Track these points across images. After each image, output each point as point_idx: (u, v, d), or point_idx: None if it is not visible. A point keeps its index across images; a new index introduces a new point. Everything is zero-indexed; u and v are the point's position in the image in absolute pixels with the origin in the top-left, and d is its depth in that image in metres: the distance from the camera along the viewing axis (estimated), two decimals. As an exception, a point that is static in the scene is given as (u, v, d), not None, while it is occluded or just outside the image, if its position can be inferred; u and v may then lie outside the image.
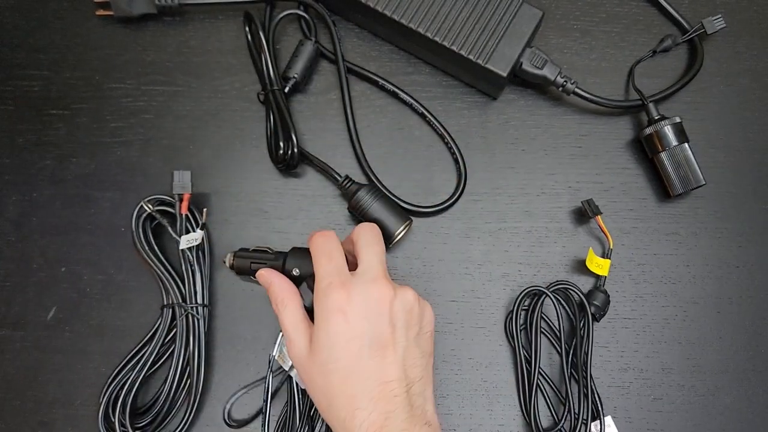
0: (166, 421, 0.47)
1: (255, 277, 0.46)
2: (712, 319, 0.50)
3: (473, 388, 0.49)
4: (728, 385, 0.49)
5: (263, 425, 0.45)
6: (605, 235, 0.49)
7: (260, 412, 0.46)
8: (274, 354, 0.46)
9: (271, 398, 0.46)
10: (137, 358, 0.47)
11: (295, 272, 0.45)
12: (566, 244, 0.51)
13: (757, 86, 0.53)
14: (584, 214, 0.49)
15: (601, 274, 0.48)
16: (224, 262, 0.47)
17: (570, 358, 0.47)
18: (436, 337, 0.49)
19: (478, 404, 0.48)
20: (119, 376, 0.46)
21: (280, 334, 0.46)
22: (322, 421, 0.45)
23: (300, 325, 0.41)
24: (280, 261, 0.46)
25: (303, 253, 0.45)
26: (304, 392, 0.45)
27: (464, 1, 0.49)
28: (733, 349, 0.49)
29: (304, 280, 0.45)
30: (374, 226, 0.44)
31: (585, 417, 0.46)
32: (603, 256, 0.49)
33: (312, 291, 0.42)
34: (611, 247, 0.49)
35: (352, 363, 0.38)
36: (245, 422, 0.48)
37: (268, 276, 0.44)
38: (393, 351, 0.39)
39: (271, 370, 0.46)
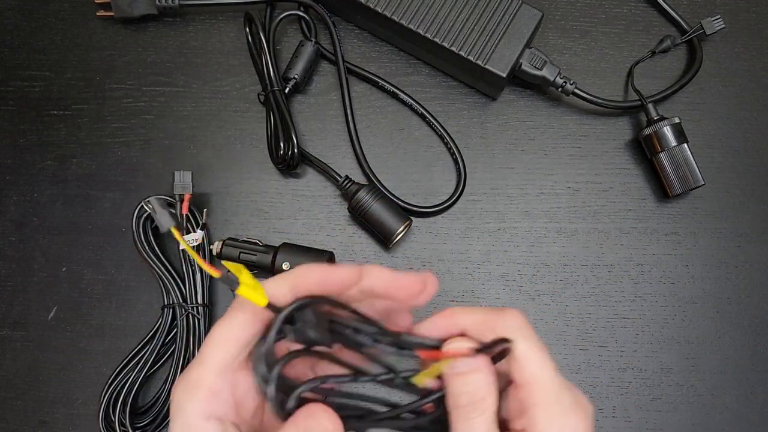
0: (166, 421, 0.47)
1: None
2: (711, 318, 0.50)
3: (473, 388, 0.49)
4: (727, 384, 0.49)
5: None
6: None
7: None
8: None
9: None
10: (138, 357, 0.47)
11: (285, 267, 0.45)
12: (565, 245, 0.51)
13: (756, 87, 0.53)
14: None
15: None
16: (212, 250, 0.47)
17: None
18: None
19: (478, 404, 0.48)
20: (120, 376, 0.46)
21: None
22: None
23: None
24: (270, 255, 0.45)
25: (294, 249, 0.45)
26: None
27: (464, 2, 0.49)
28: (732, 349, 0.49)
29: None
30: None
31: None
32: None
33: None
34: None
35: None
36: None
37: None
38: None
39: None
